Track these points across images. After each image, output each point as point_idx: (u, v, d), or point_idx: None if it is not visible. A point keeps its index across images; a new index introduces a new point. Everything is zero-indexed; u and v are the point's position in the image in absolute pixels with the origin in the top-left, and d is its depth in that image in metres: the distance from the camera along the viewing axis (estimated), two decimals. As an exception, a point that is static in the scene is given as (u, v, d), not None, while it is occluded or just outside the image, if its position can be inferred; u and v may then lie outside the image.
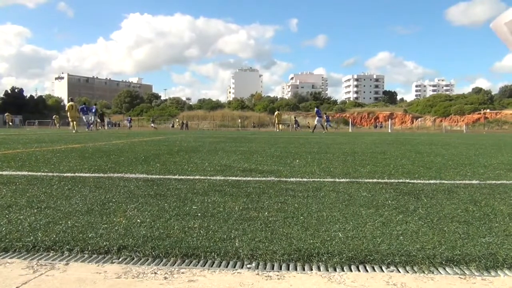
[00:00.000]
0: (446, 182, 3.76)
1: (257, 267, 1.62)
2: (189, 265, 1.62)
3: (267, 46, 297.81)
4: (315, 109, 30.91)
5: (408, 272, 1.57)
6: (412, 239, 1.93)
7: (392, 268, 1.62)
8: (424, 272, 1.57)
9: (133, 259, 1.68)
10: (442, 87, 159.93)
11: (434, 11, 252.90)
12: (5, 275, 1.49)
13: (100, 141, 10.54)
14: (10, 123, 46.28)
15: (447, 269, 1.61)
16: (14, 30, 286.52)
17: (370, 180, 3.78)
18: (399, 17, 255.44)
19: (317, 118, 28.10)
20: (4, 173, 4.03)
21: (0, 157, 5.63)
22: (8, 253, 1.73)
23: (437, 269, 1.60)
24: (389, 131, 38.10)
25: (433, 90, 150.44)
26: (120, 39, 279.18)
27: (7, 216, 2.28)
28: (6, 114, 47.15)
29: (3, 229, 2.03)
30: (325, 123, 29.35)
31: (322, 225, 2.16)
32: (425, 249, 1.79)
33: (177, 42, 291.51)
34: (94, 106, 31.25)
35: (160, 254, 1.72)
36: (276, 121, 31.30)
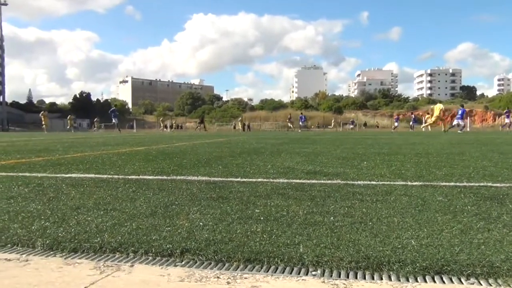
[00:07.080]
0: (535, 185, 3.40)
1: (322, 274, 1.55)
2: (252, 270, 1.60)
3: (335, 41, 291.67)
4: (461, 109, 28.21)
5: (491, 285, 1.42)
6: (495, 249, 1.74)
7: (472, 280, 1.47)
8: (509, 286, 1.41)
9: (196, 262, 1.69)
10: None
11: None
12: (74, 275, 1.56)
13: (163, 144, 10.97)
14: (74, 126, 43.41)
15: (539, 284, 1.42)
16: (84, 36, 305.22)
17: (447, 184, 3.53)
18: (485, 3, 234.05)
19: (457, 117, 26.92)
20: (73, 175, 4.26)
21: (70, 160, 5.98)
22: (77, 254, 1.81)
23: (526, 284, 1.43)
24: (468, 129, 35.66)
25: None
26: (183, 40, 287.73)
27: (75, 217, 2.40)
28: (68, 117, 44.31)
29: (72, 230, 2.13)
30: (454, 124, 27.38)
31: (393, 231, 2.04)
32: (511, 260, 1.61)
33: (241, 42, 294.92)
34: None
35: (223, 258, 1.71)
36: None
